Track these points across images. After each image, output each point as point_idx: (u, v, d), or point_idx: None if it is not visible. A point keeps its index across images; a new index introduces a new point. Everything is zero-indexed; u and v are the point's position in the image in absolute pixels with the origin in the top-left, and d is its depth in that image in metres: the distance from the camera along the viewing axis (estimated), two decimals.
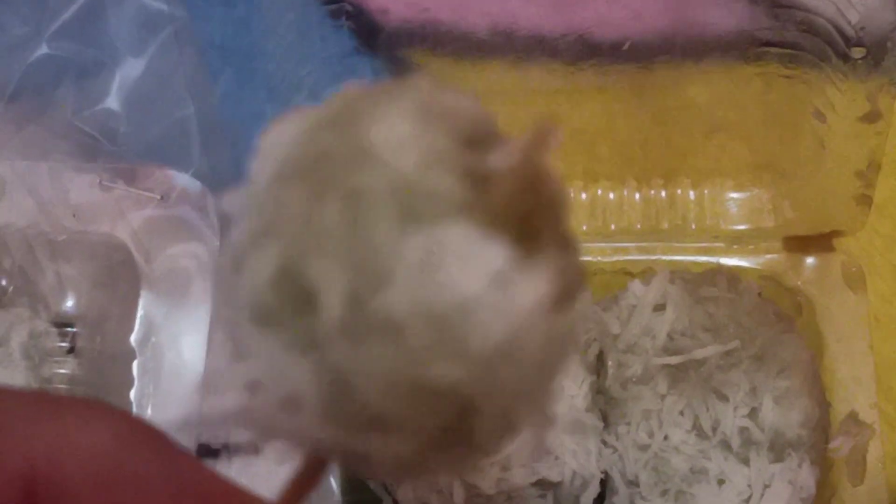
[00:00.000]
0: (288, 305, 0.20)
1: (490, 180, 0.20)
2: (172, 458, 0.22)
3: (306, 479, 0.22)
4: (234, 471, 0.49)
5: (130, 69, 0.52)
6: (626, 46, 0.47)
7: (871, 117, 0.44)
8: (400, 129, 0.20)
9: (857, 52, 0.43)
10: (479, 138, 0.20)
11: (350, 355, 0.19)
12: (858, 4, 0.41)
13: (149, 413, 0.48)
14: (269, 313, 0.20)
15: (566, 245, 0.21)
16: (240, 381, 0.20)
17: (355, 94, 0.21)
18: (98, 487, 0.21)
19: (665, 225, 0.50)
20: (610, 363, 0.47)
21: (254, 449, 0.49)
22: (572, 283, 0.21)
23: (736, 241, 0.50)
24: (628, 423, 0.46)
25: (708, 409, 0.45)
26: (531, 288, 0.19)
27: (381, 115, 0.20)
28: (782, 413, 0.45)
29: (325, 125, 0.21)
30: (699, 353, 0.46)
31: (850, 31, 0.42)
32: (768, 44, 0.46)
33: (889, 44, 0.42)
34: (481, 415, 0.20)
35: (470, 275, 0.19)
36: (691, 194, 0.50)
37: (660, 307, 0.47)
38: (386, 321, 0.19)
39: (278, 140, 0.21)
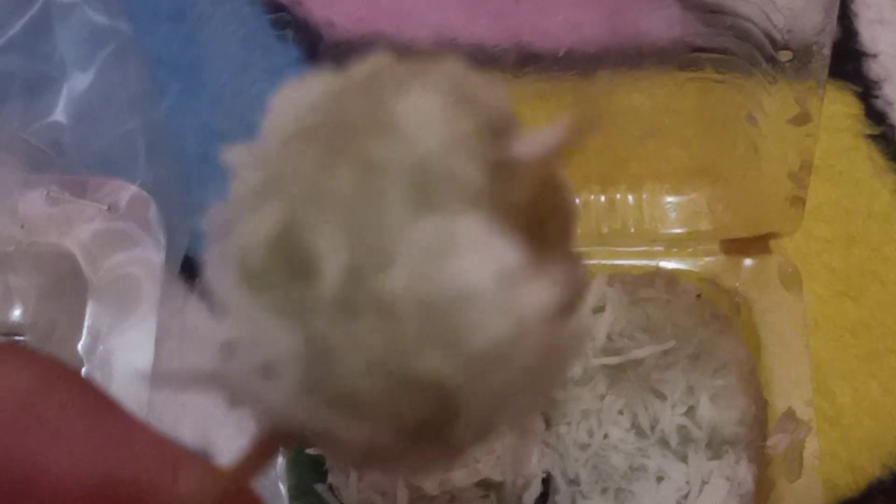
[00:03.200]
0: (282, 268, 0.19)
1: (511, 173, 0.19)
2: (95, 403, 0.22)
3: (259, 456, 0.21)
4: None
5: (77, 83, 0.52)
6: (560, 53, 0.48)
7: (801, 120, 0.45)
8: (427, 108, 0.19)
9: (784, 56, 0.43)
10: (502, 129, 0.20)
11: (340, 329, 0.18)
12: (784, 8, 0.42)
13: None
14: (260, 274, 0.19)
15: (572, 257, 0.21)
16: (216, 340, 0.20)
17: (383, 65, 0.21)
18: (16, 427, 0.21)
19: (604, 229, 0.51)
20: None
21: (204, 456, 0.50)
22: (575, 295, 0.20)
23: (674, 245, 0.51)
24: (569, 424, 0.47)
25: (646, 408, 0.46)
26: (538, 292, 0.18)
27: (409, 90, 0.19)
28: (719, 411, 0.46)
29: (348, 91, 0.20)
30: (637, 354, 0.46)
31: (776, 35, 0.43)
32: (701, 49, 0.47)
33: (815, 47, 0.43)
34: (461, 415, 0.19)
35: (477, 268, 0.18)
36: (630, 199, 0.51)
37: (599, 309, 0.48)
38: (382, 301, 0.18)
39: (295, 99, 0.21)
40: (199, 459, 0.23)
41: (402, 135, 0.19)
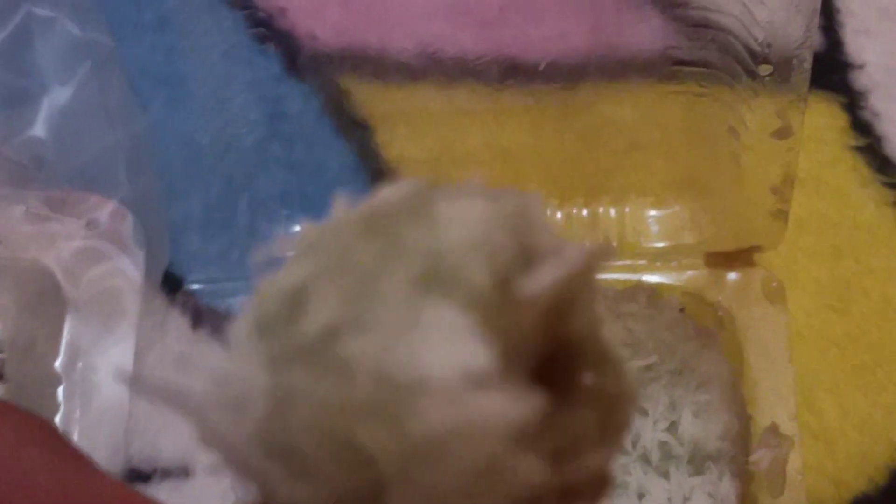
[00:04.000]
0: (284, 319, 0.20)
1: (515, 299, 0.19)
2: (66, 457, 0.22)
3: None
4: (164, 494, 0.49)
5: (57, 97, 0.52)
6: (541, 66, 0.48)
7: (782, 133, 0.45)
8: (467, 210, 0.20)
9: (765, 70, 0.43)
10: (537, 262, 0.20)
11: (303, 381, 0.19)
12: (764, 22, 0.42)
13: (75, 437, 0.48)
14: (269, 321, 0.20)
15: (604, 437, 0.21)
16: (209, 368, 0.20)
17: (471, 189, 0.21)
18: None
19: (587, 243, 0.50)
20: None
21: (184, 472, 0.50)
22: (596, 487, 0.20)
23: (658, 258, 0.51)
24: None
25: None
26: (500, 405, 0.18)
27: (463, 194, 0.20)
28: (701, 426, 0.46)
29: (419, 191, 0.21)
30: None
31: (757, 49, 0.43)
32: (683, 62, 0.47)
33: (795, 61, 0.43)
34: (388, 499, 0.19)
35: (443, 359, 0.18)
36: (612, 212, 0.51)
37: None
38: (346, 363, 0.18)
39: (389, 191, 0.21)
40: None
41: (435, 224, 0.19)
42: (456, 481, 0.18)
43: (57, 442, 0.22)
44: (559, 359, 0.21)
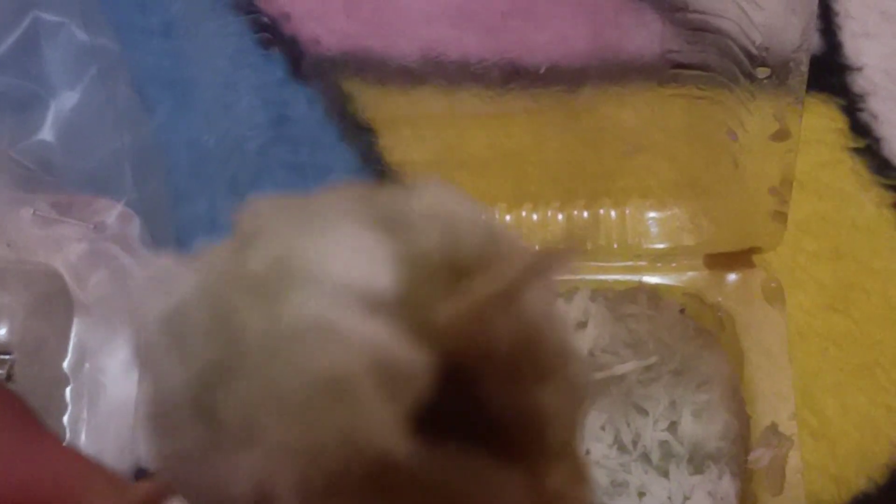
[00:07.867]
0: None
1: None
2: (17, 417, 0.22)
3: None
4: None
5: (65, 101, 0.53)
6: (543, 70, 0.48)
7: (781, 135, 0.45)
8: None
9: (762, 72, 0.44)
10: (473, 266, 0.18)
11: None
12: (761, 25, 0.42)
13: (83, 438, 0.48)
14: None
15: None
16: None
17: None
18: None
19: (588, 245, 0.51)
20: None
21: None
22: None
23: (658, 260, 0.51)
24: None
25: (628, 424, 0.46)
26: (375, 335, 0.17)
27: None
28: (701, 426, 0.46)
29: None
30: (620, 369, 0.47)
31: (754, 52, 0.43)
32: (683, 66, 0.47)
33: (792, 63, 0.43)
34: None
35: (345, 262, 0.17)
36: (613, 214, 0.51)
37: (581, 325, 0.48)
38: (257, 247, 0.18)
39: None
40: (117, 479, 0.23)
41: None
42: (297, 383, 0.17)
43: (9, 400, 0.22)
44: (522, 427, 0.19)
